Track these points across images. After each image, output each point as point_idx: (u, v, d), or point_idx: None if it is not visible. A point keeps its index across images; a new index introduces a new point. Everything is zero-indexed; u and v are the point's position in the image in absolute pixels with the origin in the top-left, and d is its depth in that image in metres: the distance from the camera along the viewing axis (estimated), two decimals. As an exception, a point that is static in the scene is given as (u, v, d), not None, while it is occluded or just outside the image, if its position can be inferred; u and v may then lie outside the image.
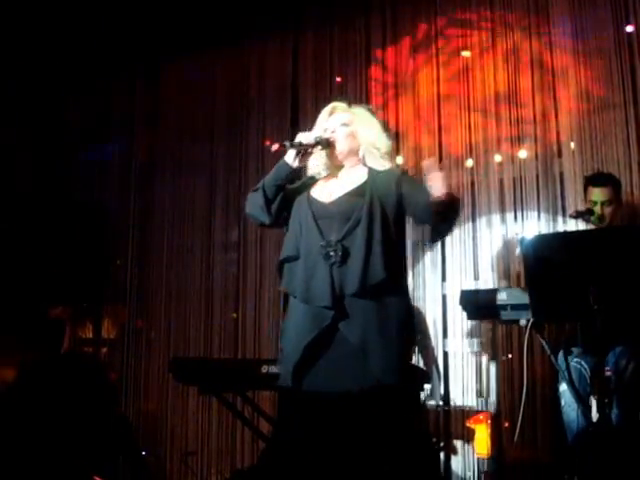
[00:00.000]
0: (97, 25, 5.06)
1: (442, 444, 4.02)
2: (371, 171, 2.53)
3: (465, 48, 4.38)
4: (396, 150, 4.21)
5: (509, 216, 4.10)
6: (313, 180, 2.63)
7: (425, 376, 3.52)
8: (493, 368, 3.99)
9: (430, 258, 4.31)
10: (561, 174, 4.00)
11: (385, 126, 2.72)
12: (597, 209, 3.33)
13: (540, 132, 4.05)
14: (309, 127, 2.64)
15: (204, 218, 5.11)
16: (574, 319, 3.00)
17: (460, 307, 3.23)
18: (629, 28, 3.92)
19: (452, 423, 4.04)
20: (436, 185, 2.26)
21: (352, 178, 2.54)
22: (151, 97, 5.50)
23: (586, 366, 3.11)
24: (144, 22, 5.04)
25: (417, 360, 3.97)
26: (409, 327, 2.46)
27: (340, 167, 2.59)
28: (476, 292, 3.59)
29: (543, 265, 2.67)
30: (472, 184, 4.24)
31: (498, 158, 4.19)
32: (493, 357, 4.01)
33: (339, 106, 2.64)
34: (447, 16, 4.47)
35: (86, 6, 4.87)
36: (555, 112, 4.04)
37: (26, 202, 5.18)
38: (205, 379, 3.27)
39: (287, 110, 4.92)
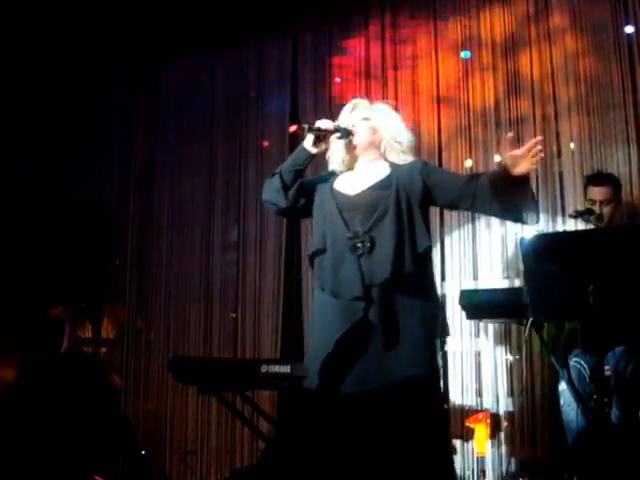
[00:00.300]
0: (97, 25, 5.06)
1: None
2: (393, 165, 2.53)
3: (464, 48, 4.38)
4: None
5: (509, 216, 4.09)
6: (334, 174, 2.63)
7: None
8: (492, 368, 3.99)
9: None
10: (560, 174, 4.01)
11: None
12: (595, 208, 3.34)
13: (539, 132, 4.05)
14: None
15: (203, 218, 5.11)
16: (573, 319, 3.00)
17: (459, 307, 3.24)
18: (629, 28, 3.92)
19: (451, 422, 4.04)
20: (518, 161, 2.26)
21: (375, 172, 2.54)
22: (151, 97, 5.50)
23: (585, 366, 3.11)
24: (144, 22, 5.04)
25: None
26: (439, 315, 2.47)
27: (357, 161, 2.58)
28: (475, 292, 3.60)
29: (542, 265, 2.67)
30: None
31: (498, 158, 4.19)
32: (492, 357, 4.00)
33: (361, 102, 2.67)
34: (446, 16, 4.47)
35: (86, 6, 4.87)
36: (555, 112, 4.04)
37: (26, 202, 5.17)
38: (205, 378, 3.26)
39: (287, 110, 4.93)
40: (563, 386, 3.17)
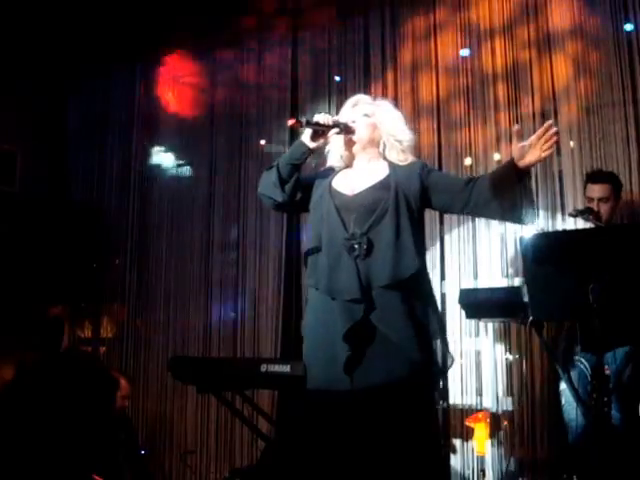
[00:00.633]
0: (97, 25, 5.07)
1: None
2: (392, 165, 2.50)
3: (464, 46, 4.38)
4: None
5: (508, 215, 4.09)
6: (333, 170, 2.60)
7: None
8: (492, 367, 3.98)
9: (429, 257, 4.29)
10: (560, 172, 4.00)
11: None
12: (593, 205, 3.33)
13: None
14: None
15: (203, 218, 5.11)
16: (573, 318, 3.00)
17: (459, 306, 3.23)
18: (628, 27, 3.92)
19: (451, 421, 4.04)
20: (527, 150, 2.24)
21: (374, 172, 2.50)
22: (150, 97, 5.50)
23: (587, 364, 3.10)
24: (144, 22, 5.05)
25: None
26: (437, 315, 2.46)
27: (356, 158, 2.55)
28: (475, 291, 3.59)
29: (542, 264, 2.66)
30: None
31: (497, 157, 4.18)
32: (492, 356, 4.00)
33: (363, 99, 2.64)
34: (446, 14, 4.47)
35: (86, 6, 4.87)
36: (554, 110, 4.03)
37: (26, 202, 5.17)
38: (204, 378, 3.26)
39: (287, 110, 4.92)
40: (564, 385, 3.16)
